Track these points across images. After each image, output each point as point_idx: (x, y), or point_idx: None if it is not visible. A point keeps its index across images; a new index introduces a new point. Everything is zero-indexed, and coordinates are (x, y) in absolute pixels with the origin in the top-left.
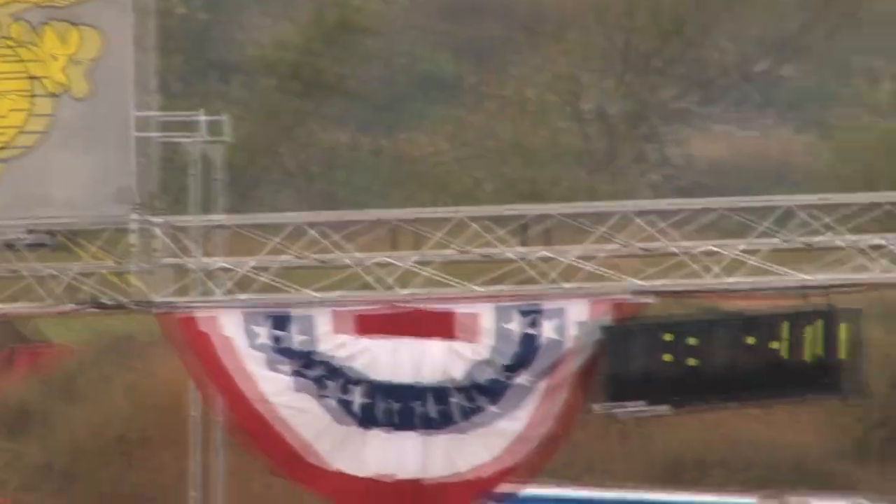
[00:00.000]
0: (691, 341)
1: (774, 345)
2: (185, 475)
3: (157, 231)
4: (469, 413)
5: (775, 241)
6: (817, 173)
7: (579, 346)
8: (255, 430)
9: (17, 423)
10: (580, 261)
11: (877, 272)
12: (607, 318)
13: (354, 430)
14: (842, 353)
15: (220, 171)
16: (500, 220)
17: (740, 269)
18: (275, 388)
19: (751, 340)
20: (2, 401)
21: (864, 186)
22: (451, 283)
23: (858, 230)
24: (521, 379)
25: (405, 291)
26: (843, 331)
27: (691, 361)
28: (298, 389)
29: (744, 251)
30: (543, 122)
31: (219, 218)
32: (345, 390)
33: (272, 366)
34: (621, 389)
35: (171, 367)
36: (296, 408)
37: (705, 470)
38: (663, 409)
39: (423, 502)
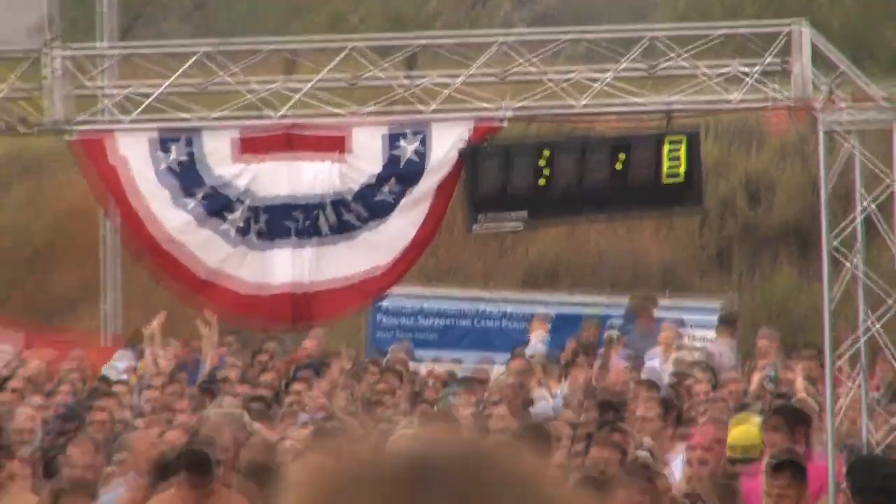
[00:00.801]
0: (547, 154)
1: (635, 163)
2: (97, 284)
3: (68, 62)
4: (352, 225)
5: (638, 71)
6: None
7: (446, 162)
8: (163, 265)
9: None
10: (456, 91)
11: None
12: (466, 139)
13: (257, 251)
14: (696, 171)
15: None
16: (388, 50)
17: (600, 95)
18: (180, 225)
19: (616, 159)
20: None
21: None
22: (341, 112)
23: (715, 58)
24: (395, 193)
25: (302, 118)
26: (694, 150)
27: (542, 182)
28: (201, 224)
29: (601, 78)
30: None
31: (127, 45)
32: (245, 212)
33: (177, 201)
34: (480, 204)
35: (84, 188)
36: (201, 241)
37: (581, 278)
38: (517, 222)
39: (304, 310)
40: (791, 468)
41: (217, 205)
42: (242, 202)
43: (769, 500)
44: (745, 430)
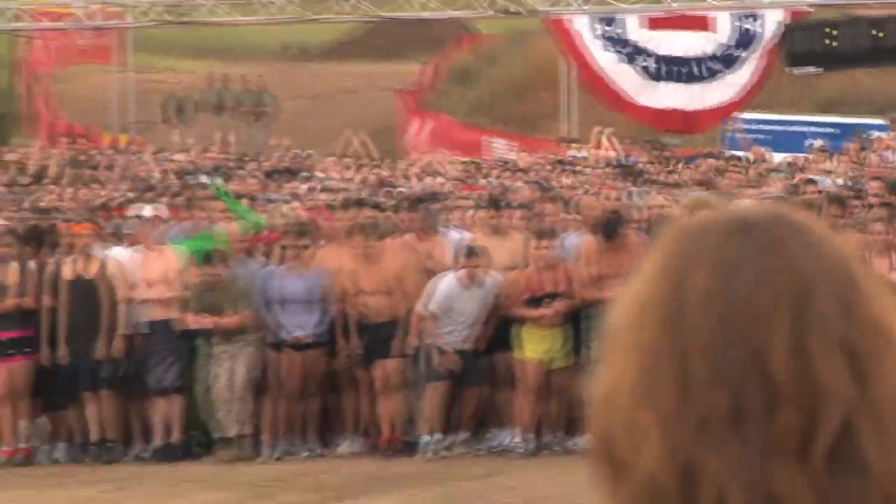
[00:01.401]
0: (835, 32)
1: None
2: (557, 108)
3: None
4: (715, 72)
5: None
6: None
7: (773, 34)
8: (598, 86)
9: (462, 77)
10: None
11: None
12: (787, 19)
13: (652, 83)
14: None
15: None
16: None
17: None
18: (607, 61)
19: (876, 32)
20: (453, 66)
21: None
22: (711, 3)
23: None
24: (742, 53)
25: (675, 5)
26: None
27: (835, 43)
28: (620, 61)
29: None
30: None
31: None
32: (645, 61)
33: (606, 49)
34: (794, 59)
35: (549, 46)
36: (620, 72)
37: (854, 105)
38: (818, 70)
39: (689, 122)
40: None
41: (632, 53)
42: (648, 54)
43: None
44: None
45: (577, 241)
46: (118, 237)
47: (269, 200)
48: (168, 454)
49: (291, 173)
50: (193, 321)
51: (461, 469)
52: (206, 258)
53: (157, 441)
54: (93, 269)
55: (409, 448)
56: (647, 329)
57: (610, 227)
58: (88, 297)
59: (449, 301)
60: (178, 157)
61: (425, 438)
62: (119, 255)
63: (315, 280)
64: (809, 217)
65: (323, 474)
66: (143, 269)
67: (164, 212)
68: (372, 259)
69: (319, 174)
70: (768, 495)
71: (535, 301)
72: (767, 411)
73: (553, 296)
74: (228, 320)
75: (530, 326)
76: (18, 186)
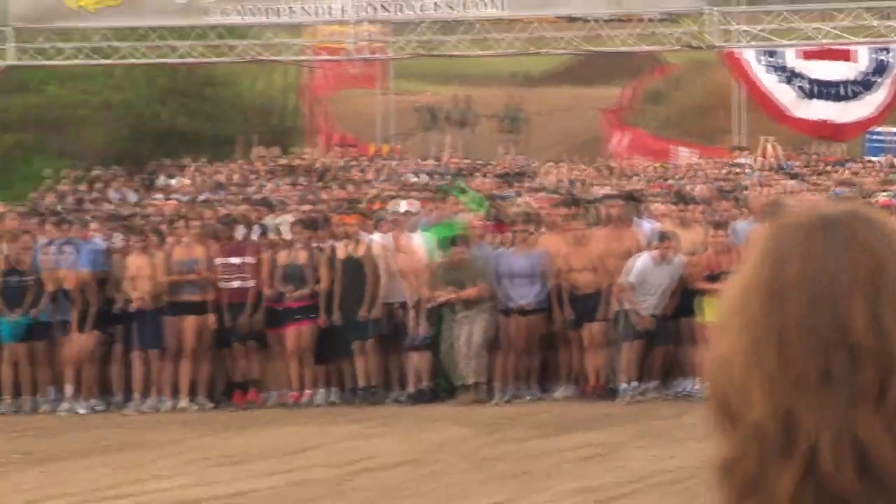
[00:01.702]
0: None
1: None
2: (730, 123)
3: (717, 16)
4: (856, 93)
5: None
6: None
7: None
8: (763, 102)
9: (654, 98)
10: None
11: None
12: None
13: (806, 100)
14: None
15: None
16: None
17: None
18: (770, 81)
19: None
20: (647, 89)
21: None
22: (847, 43)
23: None
24: (878, 78)
25: (824, 41)
26: None
27: None
28: (780, 82)
29: None
30: None
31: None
32: (800, 82)
33: (769, 72)
34: None
35: (725, 73)
36: (780, 90)
37: None
38: None
39: (836, 132)
40: None
41: (790, 76)
42: (803, 77)
43: None
44: None
45: (746, 228)
46: (379, 226)
47: (502, 197)
48: (419, 398)
49: (519, 175)
50: (440, 296)
51: (653, 410)
52: (451, 242)
53: (411, 387)
54: (360, 251)
55: (611, 394)
56: (753, 309)
57: (773, 216)
58: (357, 272)
59: (643, 275)
60: (430, 161)
61: (624, 386)
62: (381, 240)
63: (537, 259)
64: (881, 214)
65: (542, 414)
66: (399, 252)
67: (415, 206)
68: (581, 243)
69: (541, 177)
70: (853, 438)
71: (713, 277)
72: (850, 371)
73: (728, 273)
74: (468, 293)
75: (709, 297)
76: (301, 185)
